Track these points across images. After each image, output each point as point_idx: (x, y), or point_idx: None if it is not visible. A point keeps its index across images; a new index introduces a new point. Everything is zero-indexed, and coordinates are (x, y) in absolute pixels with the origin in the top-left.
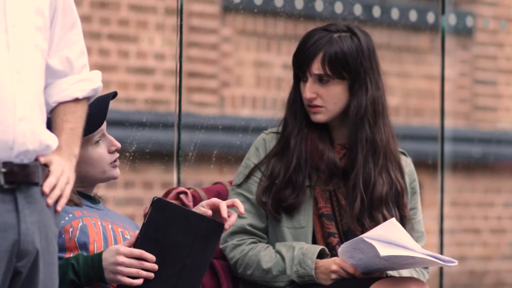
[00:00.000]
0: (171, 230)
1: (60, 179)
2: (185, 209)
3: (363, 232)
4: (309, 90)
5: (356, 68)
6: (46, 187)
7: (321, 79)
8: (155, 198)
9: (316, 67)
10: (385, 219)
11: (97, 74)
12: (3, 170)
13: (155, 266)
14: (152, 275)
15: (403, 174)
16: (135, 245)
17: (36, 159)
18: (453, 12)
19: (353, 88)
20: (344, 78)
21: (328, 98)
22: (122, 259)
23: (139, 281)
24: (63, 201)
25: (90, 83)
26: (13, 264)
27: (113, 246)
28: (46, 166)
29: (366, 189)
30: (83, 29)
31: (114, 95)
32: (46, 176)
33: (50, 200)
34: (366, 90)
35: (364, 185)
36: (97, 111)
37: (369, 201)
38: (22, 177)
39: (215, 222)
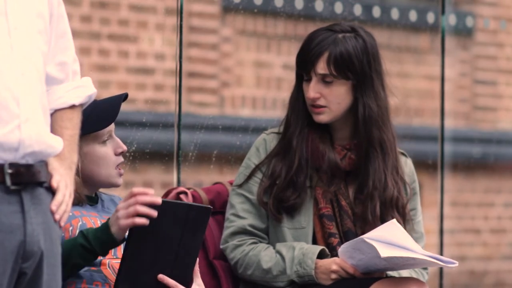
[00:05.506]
0: (160, 226)
1: (66, 193)
2: (172, 202)
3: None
4: (313, 90)
5: (361, 68)
6: (54, 206)
7: (325, 79)
8: None
9: (321, 67)
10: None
11: (90, 81)
12: (10, 171)
13: (148, 191)
14: (152, 199)
15: (403, 175)
16: (128, 245)
17: (42, 160)
18: (453, 12)
19: (358, 89)
20: (349, 78)
21: (332, 98)
22: (119, 206)
23: (143, 220)
24: (66, 216)
25: (85, 89)
26: (18, 265)
27: None
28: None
29: (381, 192)
30: (83, 29)
31: (125, 96)
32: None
33: (58, 216)
34: (373, 91)
35: (379, 188)
36: (109, 109)
37: (383, 204)
38: (28, 177)
39: (202, 208)
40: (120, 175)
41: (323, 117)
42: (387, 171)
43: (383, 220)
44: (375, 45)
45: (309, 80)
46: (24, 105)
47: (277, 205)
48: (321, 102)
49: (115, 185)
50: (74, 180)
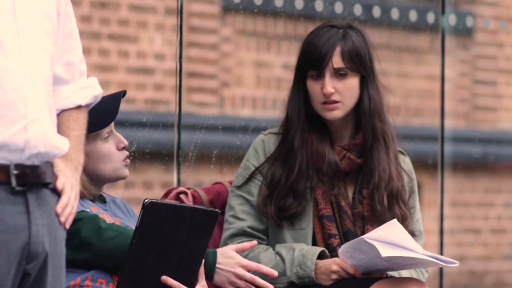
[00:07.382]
0: (165, 228)
1: (71, 195)
2: (178, 205)
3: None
4: (329, 85)
5: (365, 61)
6: (59, 208)
7: (338, 74)
8: (147, 202)
9: (336, 61)
10: (399, 215)
11: (96, 81)
12: (15, 172)
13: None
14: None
15: (402, 168)
16: (132, 246)
17: (47, 161)
18: (453, 12)
19: (365, 82)
20: (359, 71)
21: (346, 92)
22: (241, 262)
23: None
24: (71, 218)
25: (91, 90)
26: (22, 266)
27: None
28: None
29: (387, 183)
30: (83, 29)
31: (124, 93)
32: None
33: (63, 218)
34: (375, 83)
35: (385, 178)
36: (109, 107)
37: (389, 197)
38: (34, 178)
39: (209, 212)
40: (126, 165)
41: (337, 113)
42: (390, 162)
43: (389, 211)
44: (370, 40)
45: (319, 77)
46: (31, 106)
47: (278, 213)
48: (335, 97)
49: (122, 177)
50: (80, 181)
